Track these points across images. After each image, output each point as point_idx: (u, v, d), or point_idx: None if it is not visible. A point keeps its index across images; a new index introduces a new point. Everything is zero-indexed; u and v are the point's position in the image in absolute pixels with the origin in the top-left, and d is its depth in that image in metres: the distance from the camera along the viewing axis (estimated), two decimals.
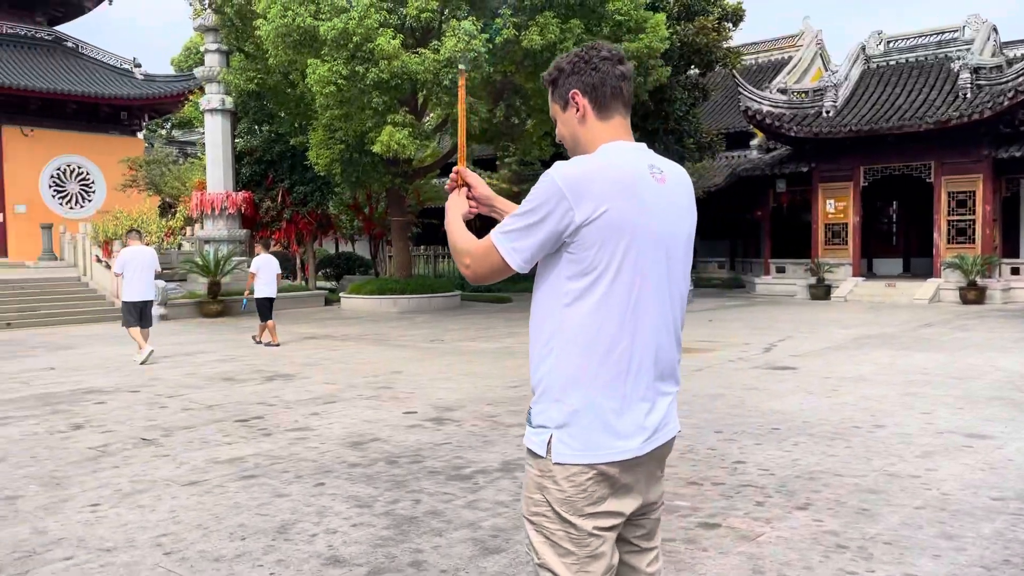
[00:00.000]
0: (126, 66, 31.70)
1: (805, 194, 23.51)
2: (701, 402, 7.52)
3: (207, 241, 19.82)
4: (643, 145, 2.00)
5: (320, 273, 25.16)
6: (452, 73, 14.59)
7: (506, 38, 14.88)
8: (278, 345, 12.36)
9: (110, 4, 32.47)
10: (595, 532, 1.90)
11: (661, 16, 16.77)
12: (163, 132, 40.77)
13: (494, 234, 1.90)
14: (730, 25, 20.74)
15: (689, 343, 12.02)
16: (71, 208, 30.08)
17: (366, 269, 26.54)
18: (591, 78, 1.95)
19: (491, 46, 14.89)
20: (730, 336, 13.01)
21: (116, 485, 5.07)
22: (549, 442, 1.88)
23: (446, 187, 2.18)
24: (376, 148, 15.02)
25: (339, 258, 27.05)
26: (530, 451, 1.93)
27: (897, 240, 26.33)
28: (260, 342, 12.61)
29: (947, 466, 5.25)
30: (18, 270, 22.35)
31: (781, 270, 24.43)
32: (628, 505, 1.95)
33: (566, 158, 1.94)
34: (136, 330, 10.83)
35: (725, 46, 20.89)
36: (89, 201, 30.57)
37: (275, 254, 25.12)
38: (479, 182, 2.16)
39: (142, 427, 6.77)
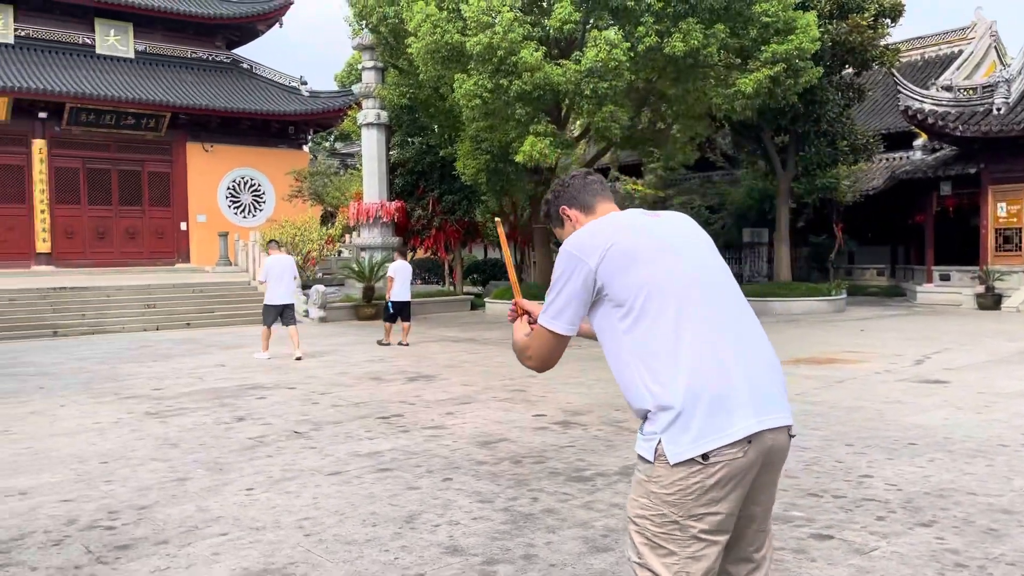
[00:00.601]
0: (293, 84, 33.97)
1: (973, 197, 21.99)
2: (837, 414, 7.34)
3: (363, 248, 20.96)
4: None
5: (468, 279, 25.97)
6: (594, 82, 14.79)
7: (648, 45, 14.92)
8: (405, 345, 13.15)
9: (280, 27, 34.86)
10: (700, 536, 2.02)
11: (812, 16, 16.25)
12: (327, 145, 43.27)
13: (539, 318, 2.24)
14: (888, 21, 19.71)
15: (835, 353, 11.64)
16: (244, 217, 32.54)
17: None
18: (570, 192, 2.34)
19: (633, 54, 14.98)
20: (881, 347, 12.46)
21: (269, 472, 5.61)
22: (657, 447, 2.02)
23: (508, 318, 2.52)
24: (518, 158, 15.45)
25: (485, 264, 27.81)
26: (640, 457, 2.08)
27: None
28: (405, 343, 13.32)
29: None
30: (198, 275, 24.48)
31: (945, 278, 22.94)
32: (734, 503, 2.04)
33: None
34: (267, 332, 11.86)
35: (882, 43, 19.90)
36: (260, 211, 32.96)
37: (424, 260, 26.26)
38: (536, 307, 2.45)
39: (295, 421, 7.39)
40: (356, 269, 19.56)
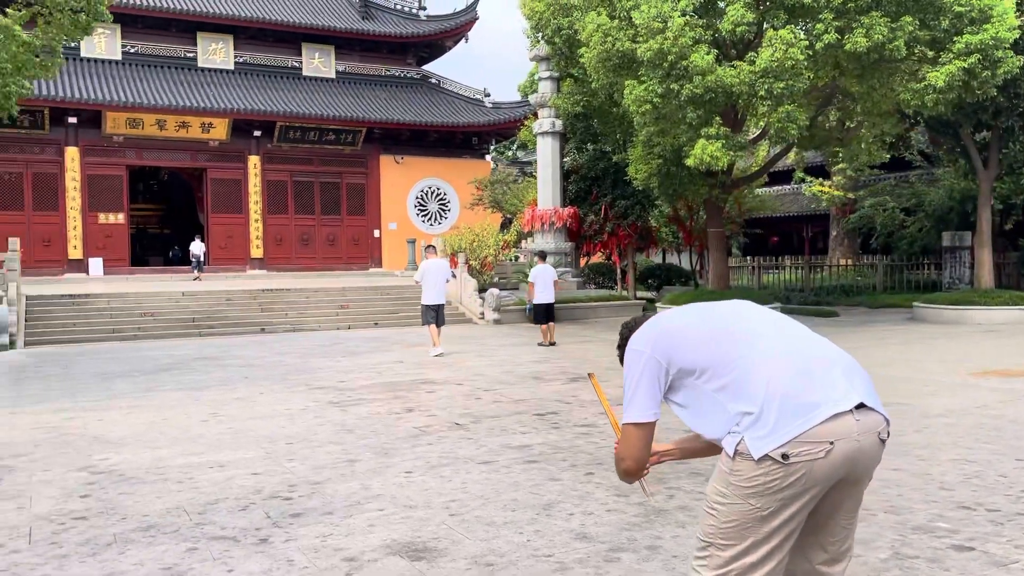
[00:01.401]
0: (477, 96, 35.40)
1: None
2: (1015, 428, 6.88)
3: (536, 253, 21.56)
4: None
5: (643, 283, 25.96)
6: (769, 83, 14.47)
7: (827, 43, 14.40)
8: (552, 344, 13.82)
9: (466, 42, 36.45)
10: (768, 530, 2.19)
11: (1010, 2, 15.02)
12: (508, 154, 44.60)
13: (622, 422, 2.46)
14: None
15: (1015, 367, 10.75)
16: (431, 225, 34.30)
17: (686, 280, 26.84)
18: (630, 330, 2.55)
19: (811, 52, 14.52)
20: None
21: (427, 458, 6.10)
22: (739, 444, 2.20)
23: (614, 452, 2.73)
24: (689, 161, 15.36)
25: (660, 269, 27.68)
26: (724, 451, 2.28)
27: None
28: (550, 343, 13.79)
29: None
30: (387, 278, 26.11)
31: None
32: (810, 504, 2.20)
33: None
34: (433, 328, 12.62)
35: None
36: (446, 219, 34.62)
37: (598, 265, 26.54)
38: None
39: (458, 414, 7.91)
40: (528, 273, 20.16)
